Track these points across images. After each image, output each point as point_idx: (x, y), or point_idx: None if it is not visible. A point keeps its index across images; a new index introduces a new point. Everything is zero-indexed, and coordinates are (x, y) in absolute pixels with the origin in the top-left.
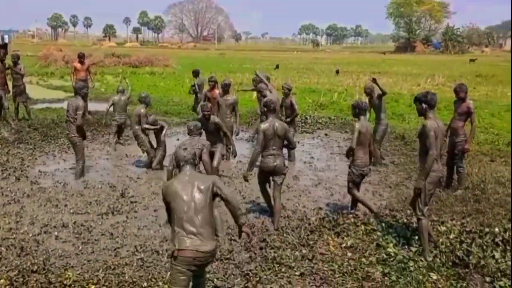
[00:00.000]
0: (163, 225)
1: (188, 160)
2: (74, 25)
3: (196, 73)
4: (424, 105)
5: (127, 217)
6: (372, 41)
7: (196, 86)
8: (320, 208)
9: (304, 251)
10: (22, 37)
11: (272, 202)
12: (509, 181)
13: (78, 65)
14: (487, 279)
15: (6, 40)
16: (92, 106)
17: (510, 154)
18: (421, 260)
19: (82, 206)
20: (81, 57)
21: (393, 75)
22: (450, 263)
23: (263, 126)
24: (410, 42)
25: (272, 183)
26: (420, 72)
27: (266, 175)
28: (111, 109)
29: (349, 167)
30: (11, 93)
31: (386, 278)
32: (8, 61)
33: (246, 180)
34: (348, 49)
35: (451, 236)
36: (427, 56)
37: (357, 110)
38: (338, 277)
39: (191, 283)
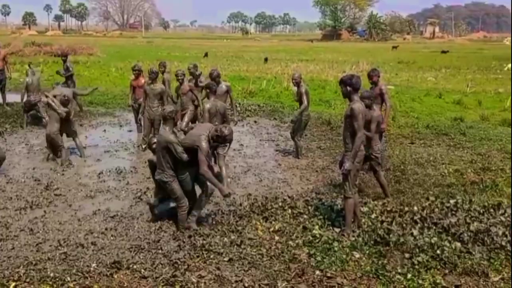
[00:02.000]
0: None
1: None
2: None
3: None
4: (349, 88)
5: (52, 210)
6: (300, 29)
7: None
8: (250, 194)
9: (232, 237)
10: None
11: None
12: (427, 162)
13: None
14: (406, 255)
15: None
16: (12, 97)
17: (429, 136)
18: (345, 240)
19: (1, 202)
20: None
21: (320, 62)
22: (372, 242)
23: (207, 106)
24: (336, 30)
25: (217, 155)
26: (346, 59)
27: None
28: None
29: (370, 157)
30: None
31: (311, 259)
32: None
33: None
34: (276, 37)
35: (373, 216)
36: (352, 44)
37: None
38: (266, 260)
39: None
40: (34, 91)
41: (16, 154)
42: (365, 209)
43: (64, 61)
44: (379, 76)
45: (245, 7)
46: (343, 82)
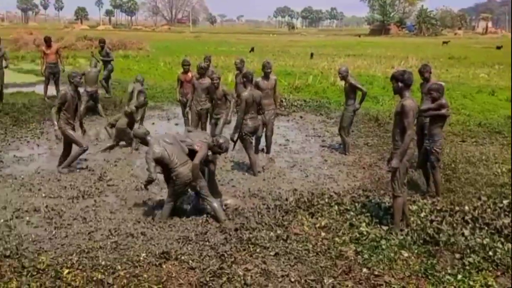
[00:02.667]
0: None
1: None
2: (45, 7)
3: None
4: (400, 84)
5: (102, 200)
6: (347, 24)
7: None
8: (295, 190)
9: (279, 232)
10: None
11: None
12: (479, 161)
13: (46, 49)
14: (457, 255)
15: None
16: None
17: (481, 134)
18: (393, 239)
19: (56, 191)
20: (48, 41)
21: (368, 58)
22: (421, 241)
23: (245, 94)
24: (385, 25)
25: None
26: (394, 54)
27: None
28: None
29: (431, 151)
30: None
31: (358, 256)
32: None
33: (233, 141)
34: (323, 32)
35: (422, 215)
36: (401, 39)
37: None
38: (312, 256)
39: None
40: (91, 82)
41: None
42: (414, 207)
43: (102, 47)
44: (430, 72)
45: (291, 1)
46: (394, 78)
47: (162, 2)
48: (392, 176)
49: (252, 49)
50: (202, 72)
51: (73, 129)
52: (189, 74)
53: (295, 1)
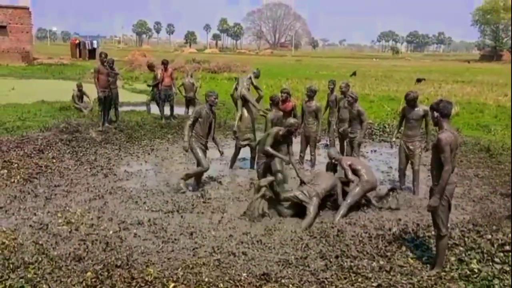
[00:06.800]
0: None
1: None
2: (158, 31)
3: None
4: (435, 113)
5: (210, 218)
6: (455, 49)
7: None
8: (399, 219)
9: (381, 262)
10: (109, 43)
11: None
12: None
13: (163, 72)
14: None
15: (95, 46)
16: (177, 110)
17: None
18: (507, 279)
19: (159, 204)
20: (165, 64)
21: (478, 84)
22: None
23: (270, 116)
24: (497, 51)
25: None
26: (507, 81)
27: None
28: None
29: None
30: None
31: None
32: (95, 65)
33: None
34: (429, 57)
35: None
36: None
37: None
38: None
39: None
40: (188, 89)
41: (177, 161)
42: None
43: (153, 71)
44: None
45: (397, 26)
46: (431, 108)
47: (266, 26)
48: (433, 215)
49: (354, 73)
50: (312, 95)
51: (205, 146)
52: (290, 104)
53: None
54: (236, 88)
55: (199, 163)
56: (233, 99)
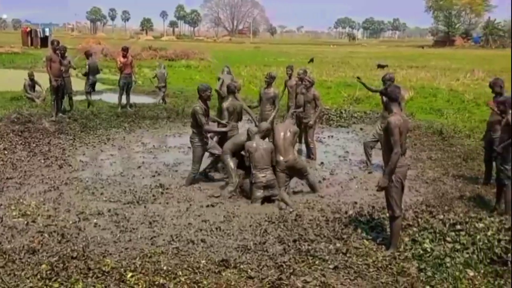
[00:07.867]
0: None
1: None
2: (113, 18)
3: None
4: (384, 98)
5: (165, 206)
6: (410, 35)
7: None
8: (355, 203)
9: (338, 245)
10: (62, 31)
11: None
12: None
13: (123, 59)
14: None
15: (47, 33)
16: (133, 98)
17: None
18: (458, 257)
19: (117, 195)
20: (125, 51)
21: (432, 70)
22: (488, 260)
23: (225, 104)
24: (449, 36)
25: None
26: (460, 66)
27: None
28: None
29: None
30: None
31: (421, 273)
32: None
33: None
34: (385, 43)
35: (489, 233)
36: (466, 51)
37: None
38: (373, 271)
39: None
40: (161, 81)
41: (133, 151)
42: (480, 225)
43: (87, 58)
44: (501, 86)
45: (352, 12)
46: (381, 93)
47: (224, 13)
48: (387, 197)
49: (312, 60)
50: (270, 82)
51: (206, 143)
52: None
53: (356, 12)
54: (221, 86)
55: (197, 161)
56: (219, 94)
